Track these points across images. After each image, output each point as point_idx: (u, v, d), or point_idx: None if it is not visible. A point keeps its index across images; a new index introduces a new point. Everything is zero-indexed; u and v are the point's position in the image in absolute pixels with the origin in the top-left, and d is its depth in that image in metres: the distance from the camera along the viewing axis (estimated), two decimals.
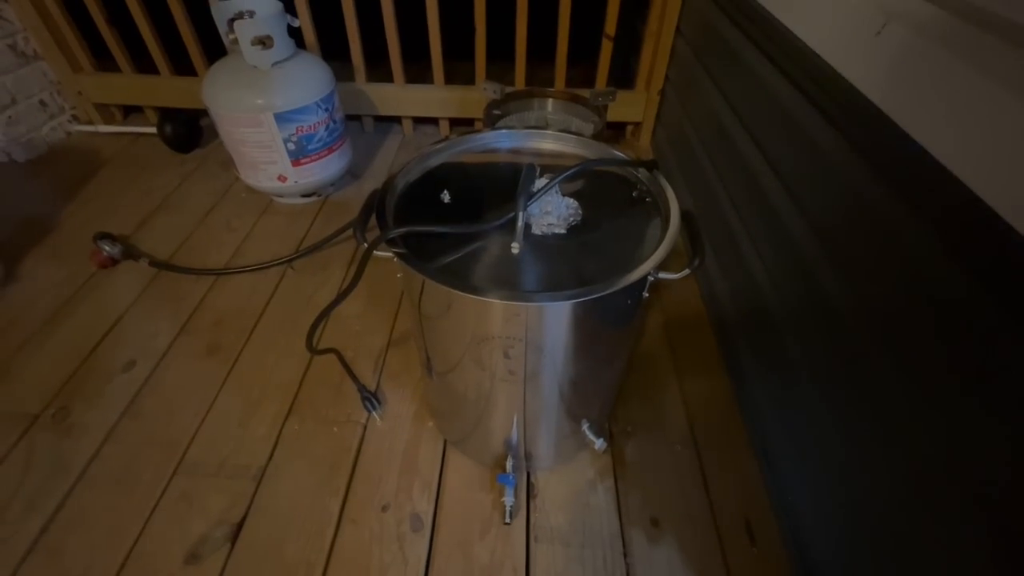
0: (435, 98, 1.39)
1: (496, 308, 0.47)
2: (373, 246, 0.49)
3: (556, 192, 0.55)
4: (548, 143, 0.66)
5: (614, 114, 1.34)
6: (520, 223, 0.50)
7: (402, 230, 0.49)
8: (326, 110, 1.09)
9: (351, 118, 1.47)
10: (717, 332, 0.91)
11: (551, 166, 0.60)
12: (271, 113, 1.01)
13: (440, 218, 0.54)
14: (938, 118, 0.43)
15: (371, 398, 0.79)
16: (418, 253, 0.49)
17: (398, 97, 1.40)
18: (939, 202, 0.43)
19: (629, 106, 1.37)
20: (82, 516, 0.67)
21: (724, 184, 0.90)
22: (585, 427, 0.68)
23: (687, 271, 0.52)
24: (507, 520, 0.65)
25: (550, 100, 1.12)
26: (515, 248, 0.50)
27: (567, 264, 0.50)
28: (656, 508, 0.68)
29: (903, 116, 0.47)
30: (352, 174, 1.33)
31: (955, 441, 0.41)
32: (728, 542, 0.65)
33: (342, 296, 0.54)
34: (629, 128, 1.46)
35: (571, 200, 0.55)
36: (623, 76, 1.43)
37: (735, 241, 0.84)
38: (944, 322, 0.42)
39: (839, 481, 0.55)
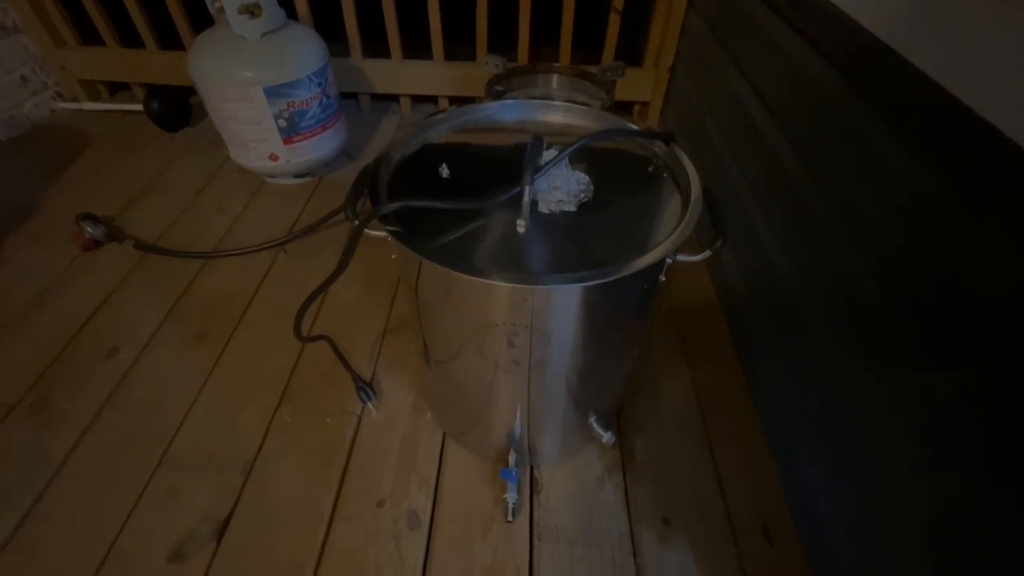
0: (434, 75, 1.33)
1: (500, 292, 0.43)
2: (364, 223, 0.44)
3: (565, 165, 0.50)
4: (556, 115, 0.61)
5: (620, 93, 1.29)
6: (526, 198, 0.45)
7: (395, 205, 0.44)
8: (319, 85, 1.04)
9: (347, 96, 1.41)
10: (730, 321, 0.87)
11: (560, 139, 0.55)
12: (260, 87, 0.96)
13: (438, 194, 0.49)
14: (999, 82, 0.38)
15: (366, 388, 0.75)
16: (414, 232, 0.45)
17: (396, 73, 1.34)
18: (996, 181, 0.38)
19: (636, 84, 1.32)
20: (60, 511, 0.64)
21: (739, 165, 0.85)
22: (592, 420, 0.64)
23: (708, 252, 0.47)
24: (509, 518, 0.61)
25: (555, 76, 1.06)
26: (521, 226, 0.46)
27: (577, 244, 0.46)
28: (667, 506, 0.65)
29: (955, 82, 0.42)
30: (348, 154, 1.28)
31: (992, 431, 0.37)
32: (744, 542, 0.62)
33: (331, 278, 0.50)
34: (636, 108, 1.40)
35: (582, 175, 0.50)
36: (630, 53, 1.37)
37: (751, 226, 0.79)
38: (984, 308, 0.38)
39: (862, 476, 0.51)
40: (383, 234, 0.46)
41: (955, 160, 0.42)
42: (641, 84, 1.32)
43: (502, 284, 0.41)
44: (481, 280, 0.41)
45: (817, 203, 0.61)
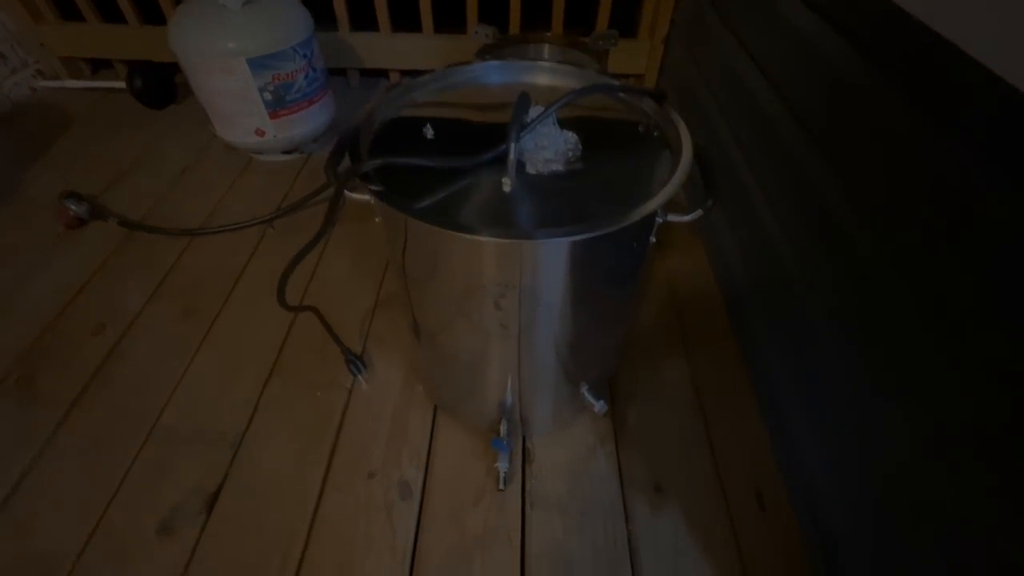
0: (424, 47, 1.30)
1: (486, 249, 0.42)
2: (345, 181, 0.43)
3: (553, 123, 0.48)
4: (543, 76, 0.60)
5: (614, 65, 1.26)
6: (512, 156, 0.44)
7: (376, 162, 0.43)
8: (304, 56, 1.01)
9: (335, 72, 1.38)
10: (724, 293, 0.86)
11: (547, 101, 0.54)
12: (244, 58, 0.93)
13: (422, 154, 0.48)
14: (1013, 37, 0.36)
15: (356, 361, 0.74)
16: (398, 193, 0.43)
17: (384, 47, 1.31)
18: (1008, 146, 0.36)
19: (631, 56, 1.29)
20: (47, 488, 0.63)
21: (737, 140, 0.83)
22: (584, 389, 0.63)
23: (699, 212, 0.46)
24: (501, 486, 0.61)
25: (546, 46, 1.04)
26: (506, 185, 0.44)
27: (565, 204, 0.44)
28: (659, 473, 0.65)
29: (967, 39, 0.40)
30: (336, 131, 1.25)
31: (985, 398, 0.36)
32: (736, 507, 0.61)
33: (312, 243, 0.49)
34: (630, 81, 1.38)
35: (570, 134, 0.49)
36: (625, 24, 1.34)
37: (750, 201, 0.77)
38: (982, 274, 0.37)
39: (857, 443, 0.51)
40: (366, 197, 0.45)
41: (967, 124, 0.40)
42: (635, 56, 1.29)
43: (489, 239, 0.40)
44: (467, 236, 0.40)
45: (817, 173, 0.59)
